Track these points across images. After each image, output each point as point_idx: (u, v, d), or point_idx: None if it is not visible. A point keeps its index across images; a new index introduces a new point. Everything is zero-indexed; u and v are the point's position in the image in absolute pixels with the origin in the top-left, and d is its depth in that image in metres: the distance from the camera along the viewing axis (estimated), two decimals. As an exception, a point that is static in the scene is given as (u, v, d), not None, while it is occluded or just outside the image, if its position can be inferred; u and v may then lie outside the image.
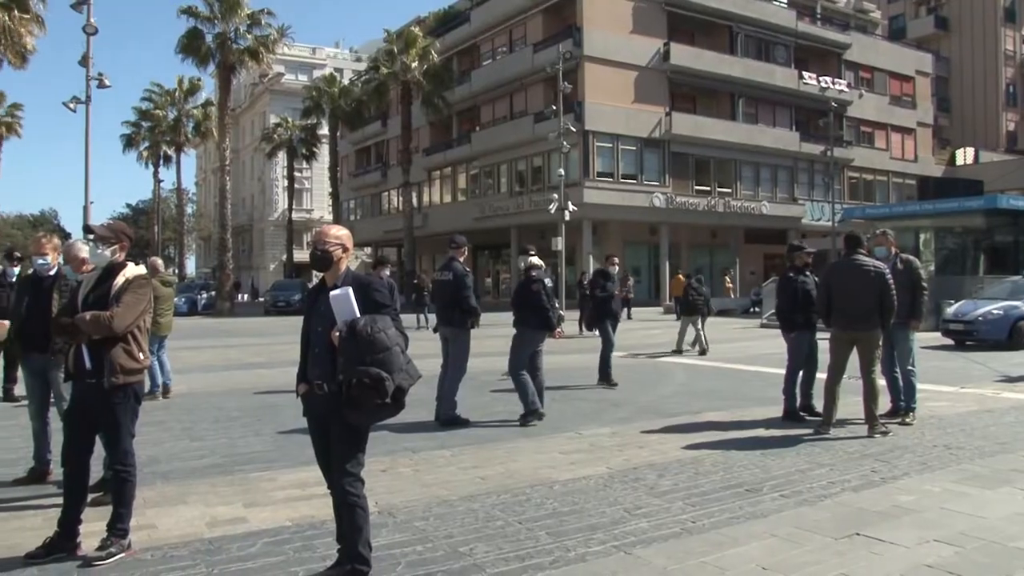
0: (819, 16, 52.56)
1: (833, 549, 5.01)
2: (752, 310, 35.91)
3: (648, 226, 43.15)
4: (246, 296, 63.12)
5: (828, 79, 48.29)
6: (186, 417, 10.09)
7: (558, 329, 9.86)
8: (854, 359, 8.77)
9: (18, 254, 11.40)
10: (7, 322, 6.14)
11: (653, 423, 9.42)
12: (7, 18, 35.90)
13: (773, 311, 12.34)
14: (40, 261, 6.85)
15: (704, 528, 5.46)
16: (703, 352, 18.02)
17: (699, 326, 18.52)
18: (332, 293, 4.41)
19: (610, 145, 41.58)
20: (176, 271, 67.62)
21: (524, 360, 9.57)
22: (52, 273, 6.82)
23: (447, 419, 9.38)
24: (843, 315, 8.70)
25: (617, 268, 12.73)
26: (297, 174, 66.46)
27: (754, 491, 6.34)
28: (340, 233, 4.67)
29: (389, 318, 4.36)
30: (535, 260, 10.00)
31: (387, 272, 15.21)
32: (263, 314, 40.98)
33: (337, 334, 4.29)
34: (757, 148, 45.86)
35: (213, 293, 45.23)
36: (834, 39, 50.77)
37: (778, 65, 47.62)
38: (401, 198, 49.63)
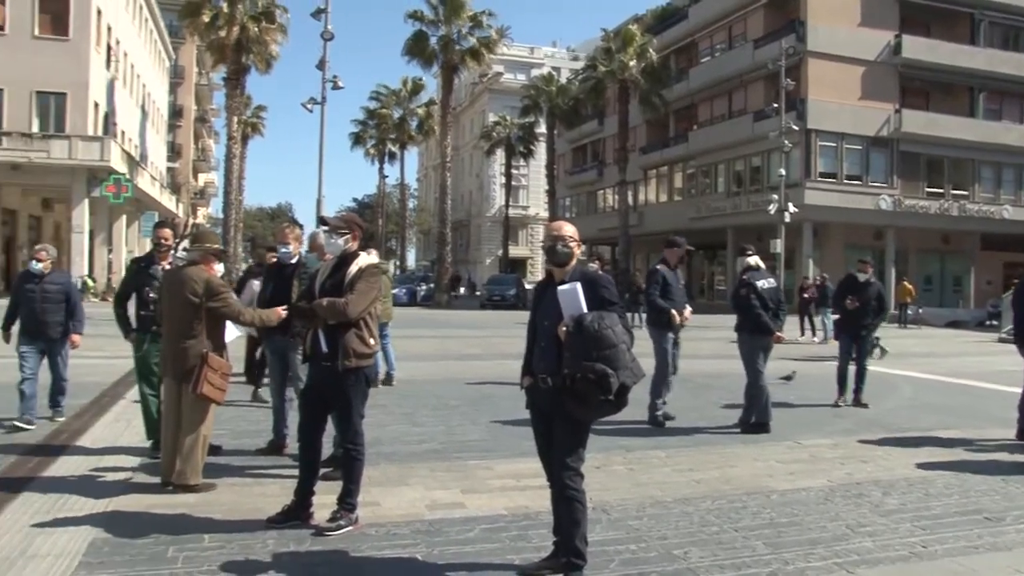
0: (1082, -4, 47.45)
1: (1093, 592, 4.55)
2: (989, 323, 33.31)
3: (873, 230, 40.84)
4: (462, 290, 65.16)
5: (1092, 67, 43.63)
6: (406, 403, 10.52)
7: (778, 332, 9.42)
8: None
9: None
10: (281, 309, 6.63)
11: (877, 436, 8.93)
12: (257, 29, 39.09)
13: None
14: (283, 249, 7.38)
15: (936, 554, 5.11)
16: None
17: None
18: (561, 288, 4.45)
19: (834, 144, 39.81)
20: (397, 263, 70.97)
21: (758, 365, 9.23)
22: (293, 261, 7.31)
23: (650, 419, 9.35)
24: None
25: (870, 274, 11.35)
26: (514, 171, 67.87)
27: (995, 520, 5.86)
28: (574, 231, 4.75)
29: (616, 315, 4.36)
30: (750, 261, 9.63)
31: (594, 267, 15.22)
32: (479, 308, 42.13)
33: (564, 329, 4.34)
34: (999, 147, 42.31)
35: (432, 285, 46.98)
36: (1101, 21, 45.74)
37: (1029, 54, 43.61)
38: (617, 196, 49.58)
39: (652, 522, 5.65)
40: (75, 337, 8.79)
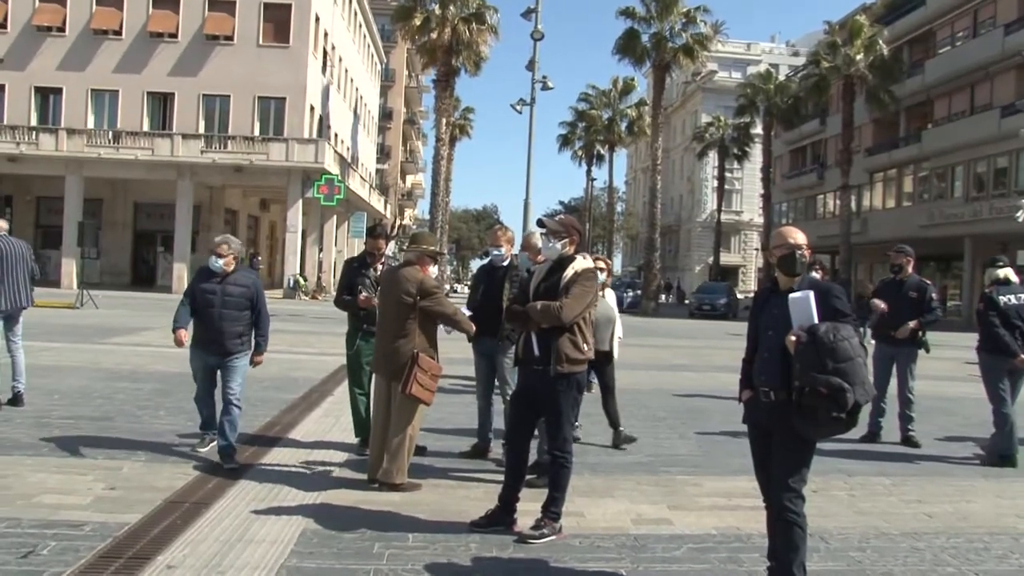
0: None
1: None
2: None
3: None
4: (671, 297, 64.10)
5: None
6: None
7: (1022, 355, 8.47)
8: None
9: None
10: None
11: None
12: (467, 31, 39.87)
13: None
14: (495, 251, 7.38)
15: None
16: None
17: None
18: (792, 296, 4.16)
19: (1101, 140, 35.84)
20: (604, 268, 70.78)
21: (1000, 391, 8.29)
22: (505, 263, 7.30)
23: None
24: None
25: None
26: (727, 174, 66.14)
27: None
28: (806, 239, 4.43)
29: (851, 327, 4.03)
30: (999, 273, 8.68)
31: (818, 276, 14.48)
32: (687, 316, 41.14)
33: (794, 338, 4.05)
34: None
35: (639, 292, 46.35)
36: None
37: None
38: (838, 202, 47.11)
39: (876, 555, 5.20)
40: (259, 357, 7.08)
